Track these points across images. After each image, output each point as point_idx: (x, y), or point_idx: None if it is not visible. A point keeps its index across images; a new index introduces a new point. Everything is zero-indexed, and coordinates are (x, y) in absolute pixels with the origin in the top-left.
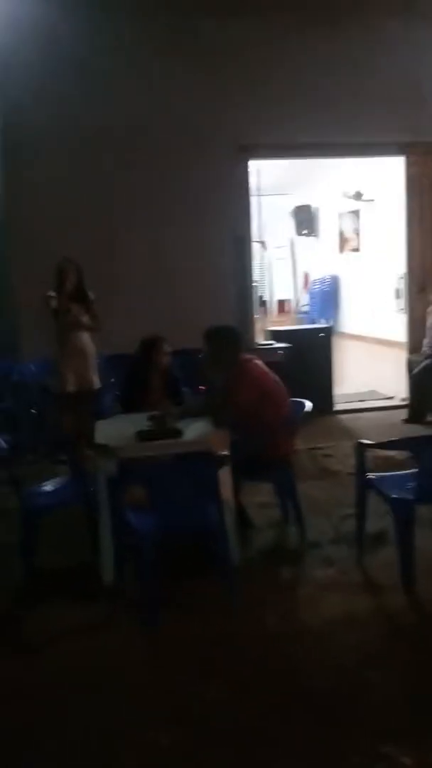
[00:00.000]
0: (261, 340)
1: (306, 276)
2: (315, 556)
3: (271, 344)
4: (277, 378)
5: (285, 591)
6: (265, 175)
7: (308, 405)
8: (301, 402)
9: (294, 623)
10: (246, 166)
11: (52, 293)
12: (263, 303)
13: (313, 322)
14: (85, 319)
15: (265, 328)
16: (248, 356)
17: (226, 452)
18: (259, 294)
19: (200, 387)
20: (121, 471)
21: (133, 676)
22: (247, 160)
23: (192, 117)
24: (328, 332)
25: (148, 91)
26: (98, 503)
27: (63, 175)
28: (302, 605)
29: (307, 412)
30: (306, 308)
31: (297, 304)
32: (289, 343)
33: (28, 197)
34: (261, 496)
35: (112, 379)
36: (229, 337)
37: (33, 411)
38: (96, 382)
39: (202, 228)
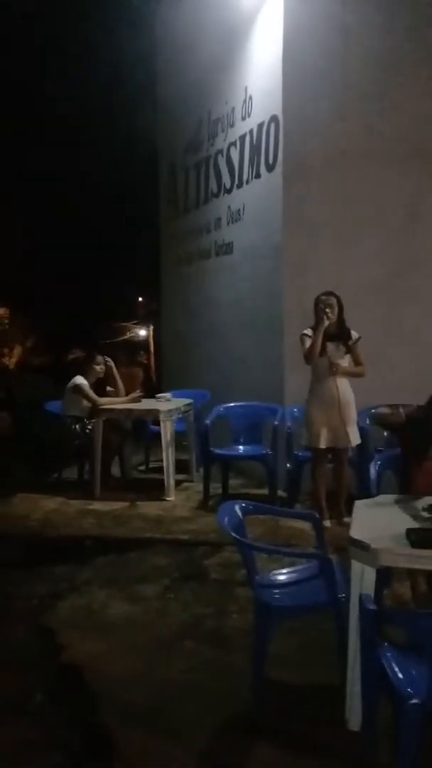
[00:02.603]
0: None
1: None
2: None
3: None
4: None
5: None
6: None
7: None
8: None
9: None
10: None
11: (308, 332)
12: None
13: None
14: (344, 361)
15: None
16: None
17: None
18: None
19: None
20: (380, 584)
21: None
22: None
23: None
24: None
25: None
26: (347, 619)
27: (345, 199)
28: None
29: None
30: None
31: None
32: None
33: (304, 222)
34: None
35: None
36: None
37: (288, 465)
38: (354, 438)
39: None
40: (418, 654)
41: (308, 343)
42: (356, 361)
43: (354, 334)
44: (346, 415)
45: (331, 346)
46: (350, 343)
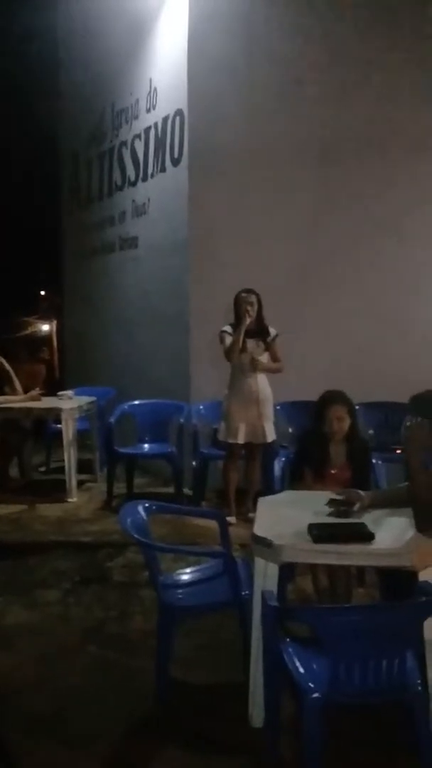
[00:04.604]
0: None
1: None
2: None
3: None
4: None
5: None
6: None
7: None
8: None
9: None
10: None
11: (228, 328)
12: None
13: None
14: (263, 358)
15: None
16: None
17: None
18: None
19: (397, 450)
20: (283, 580)
21: None
22: None
23: (410, 124)
24: None
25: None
26: (250, 616)
27: (252, 195)
28: None
29: None
30: None
31: None
32: None
33: (210, 218)
34: None
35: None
36: None
37: (194, 463)
38: (270, 434)
39: (417, 257)
40: (319, 648)
41: (228, 340)
42: (274, 358)
43: (272, 331)
44: (264, 410)
45: (251, 343)
46: (269, 339)
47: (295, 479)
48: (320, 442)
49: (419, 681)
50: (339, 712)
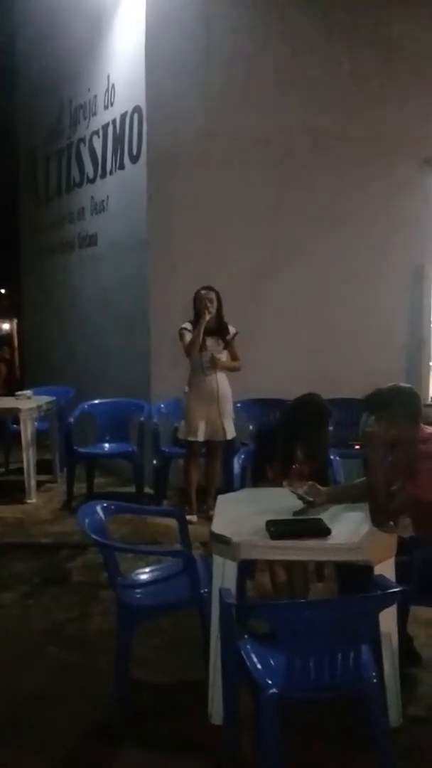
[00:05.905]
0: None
1: None
2: None
3: None
4: None
5: None
6: None
7: None
8: None
9: None
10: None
11: (187, 325)
12: None
13: None
14: (222, 356)
15: None
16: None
17: (390, 566)
18: None
19: (355, 446)
20: (242, 577)
21: None
22: None
23: (364, 126)
24: None
25: (313, 100)
26: (210, 614)
27: (211, 193)
28: None
29: None
30: None
31: None
32: None
33: (170, 216)
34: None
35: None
36: (406, 404)
37: (155, 462)
38: (230, 431)
39: (371, 255)
40: (276, 644)
41: (188, 337)
42: (233, 356)
43: (231, 330)
44: (223, 408)
45: (210, 341)
46: (228, 338)
47: (258, 478)
48: (293, 443)
49: (374, 674)
50: (298, 707)
